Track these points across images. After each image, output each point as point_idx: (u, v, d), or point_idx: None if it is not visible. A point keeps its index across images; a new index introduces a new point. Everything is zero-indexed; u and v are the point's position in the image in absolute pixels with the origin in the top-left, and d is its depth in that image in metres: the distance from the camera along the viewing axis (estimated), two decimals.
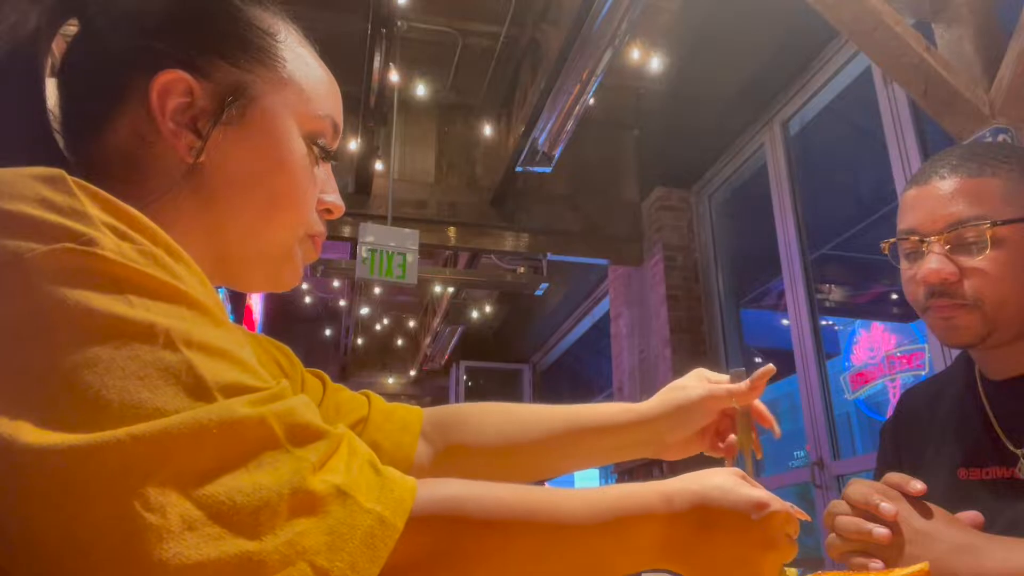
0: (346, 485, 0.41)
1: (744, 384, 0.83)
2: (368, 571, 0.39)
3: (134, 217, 0.44)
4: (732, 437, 0.84)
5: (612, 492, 0.54)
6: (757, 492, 0.58)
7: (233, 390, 0.40)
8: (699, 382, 0.85)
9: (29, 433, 0.35)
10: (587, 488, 0.53)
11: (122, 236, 0.42)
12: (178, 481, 0.36)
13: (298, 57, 0.61)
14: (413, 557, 0.43)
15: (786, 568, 0.60)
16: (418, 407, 0.86)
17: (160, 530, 0.35)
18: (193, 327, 0.41)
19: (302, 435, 0.41)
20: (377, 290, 6.58)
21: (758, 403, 0.85)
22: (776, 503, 0.58)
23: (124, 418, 0.36)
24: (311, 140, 0.60)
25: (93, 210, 0.42)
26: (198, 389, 0.39)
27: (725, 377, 0.85)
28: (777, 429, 0.85)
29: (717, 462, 0.76)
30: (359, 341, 8.38)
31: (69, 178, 0.43)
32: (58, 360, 0.37)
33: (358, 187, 4.34)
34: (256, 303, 6.65)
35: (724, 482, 0.58)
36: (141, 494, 0.35)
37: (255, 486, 0.38)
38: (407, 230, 4.06)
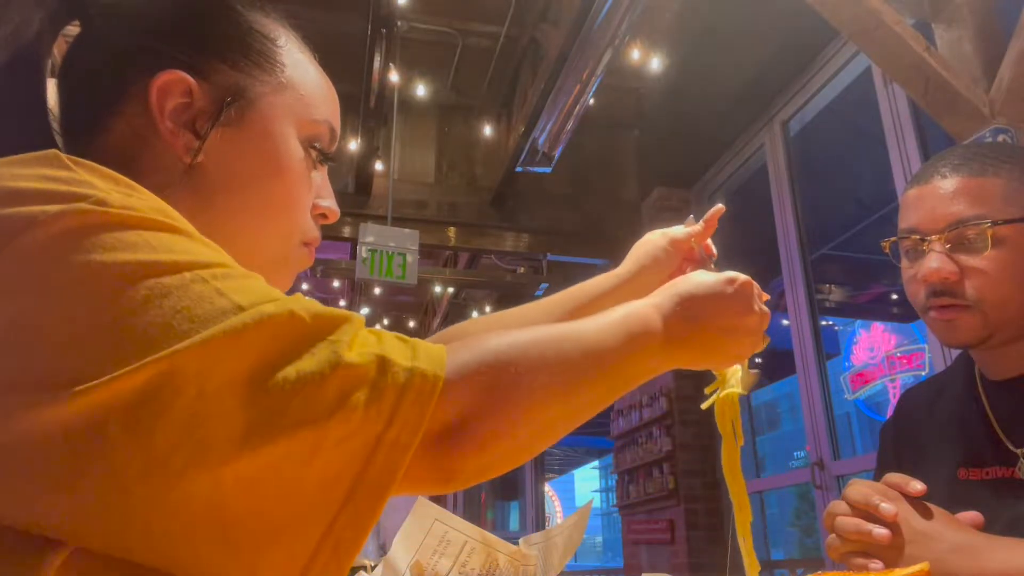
0: (382, 351, 0.43)
1: (699, 224, 0.94)
2: (417, 423, 0.43)
3: (132, 183, 0.46)
4: (690, 269, 0.94)
5: (618, 314, 0.60)
6: (725, 272, 0.69)
7: (262, 303, 0.42)
8: (660, 234, 0.96)
9: (83, 383, 0.37)
10: (594, 317, 0.59)
11: (126, 195, 0.44)
12: (230, 384, 0.39)
13: (297, 62, 0.62)
14: (466, 408, 0.46)
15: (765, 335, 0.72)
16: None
17: (227, 430, 0.38)
18: (212, 259, 0.44)
19: (330, 321, 0.44)
20: (377, 290, 6.57)
21: (708, 241, 0.97)
22: (743, 276, 0.69)
23: (171, 345, 0.38)
24: (308, 144, 0.61)
25: (93, 178, 0.43)
26: (233, 308, 0.41)
27: (679, 227, 0.97)
28: (714, 252, 0.96)
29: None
30: None
31: (63, 155, 0.44)
32: (98, 315, 0.39)
33: (358, 187, 4.34)
34: None
35: (697, 276, 0.68)
36: (201, 403, 0.38)
37: (300, 373, 0.40)
38: (407, 230, 4.06)
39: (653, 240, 0.95)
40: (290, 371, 0.40)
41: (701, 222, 0.94)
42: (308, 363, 0.41)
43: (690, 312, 0.64)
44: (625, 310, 0.61)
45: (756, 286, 0.69)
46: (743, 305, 0.67)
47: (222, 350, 0.39)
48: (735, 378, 0.79)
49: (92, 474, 0.37)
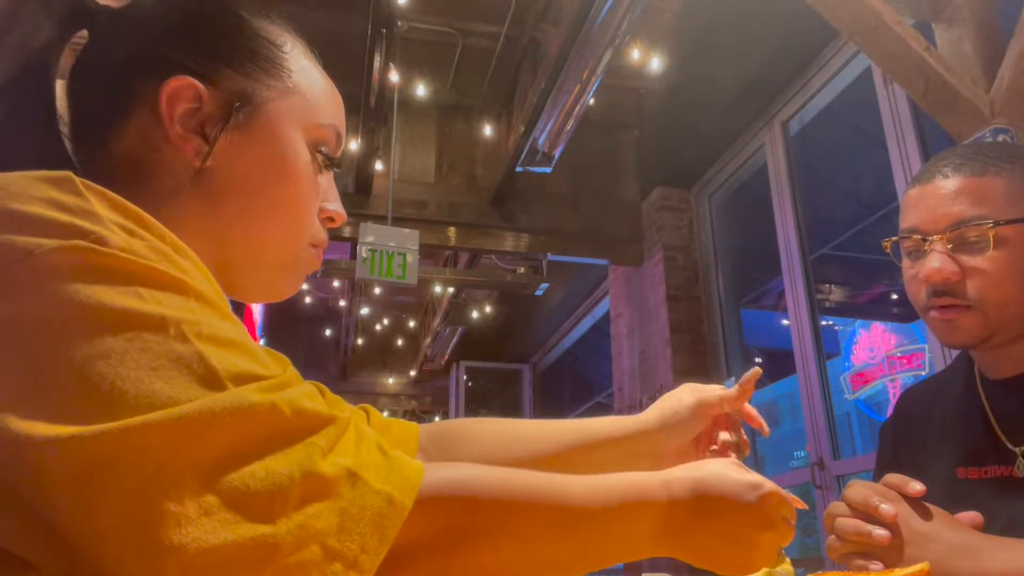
0: (356, 467, 0.42)
1: (734, 389, 0.87)
2: (378, 550, 0.40)
3: (141, 216, 0.45)
4: (723, 436, 0.87)
5: (615, 479, 0.55)
6: (752, 475, 0.60)
7: (243, 379, 0.41)
8: (691, 391, 0.88)
9: (45, 427, 0.36)
10: (592, 476, 0.54)
11: (130, 234, 0.43)
12: (193, 468, 0.37)
13: (303, 68, 0.62)
14: (423, 536, 0.44)
15: (782, 551, 0.62)
16: (415, 423, 0.87)
17: (177, 516, 0.36)
18: (202, 319, 0.42)
19: (311, 421, 0.42)
20: (377, 290, 6.57)
21: (747, 406, 0.88)
22: (769, 485, 0.60)
23: (139, 408, 0.37)
24: (315, 148, 0.62)
25: (102, 209, 0.43)
26: (210, 378, 0.40)
27: (714, 387, 0.88)
28: (766, 429, 0.88)
29: None
30: (359, 341, 8.37)
31: (77, 179, 0.44)
32: (71, 353, 0.38)
33: (358, 187, 4.34)
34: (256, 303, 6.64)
35: (721, 468, 0.60)
36: (157, 482, 0.36)
37: (268, 471, 0.38)
38: (407, 230, 4.06)
39: (681, 397, 0.87)
40: (259, 468, 0.38)
41: (736, 387, 0.87)
42: (279, 463, 0.39)
43: (701, 506, 0.57)
44: (625, 480, 0.56)
45: (786, 497, 0.61)
46: (761, 518, 0.59)
47: (193, 430, 0.37)
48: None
49: (38, 530, 0.37)
